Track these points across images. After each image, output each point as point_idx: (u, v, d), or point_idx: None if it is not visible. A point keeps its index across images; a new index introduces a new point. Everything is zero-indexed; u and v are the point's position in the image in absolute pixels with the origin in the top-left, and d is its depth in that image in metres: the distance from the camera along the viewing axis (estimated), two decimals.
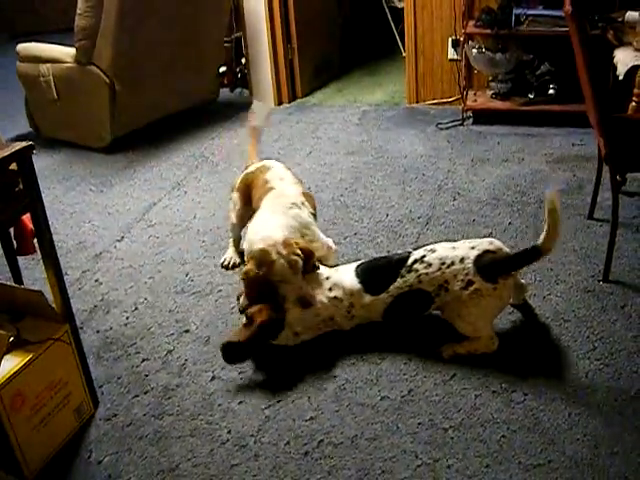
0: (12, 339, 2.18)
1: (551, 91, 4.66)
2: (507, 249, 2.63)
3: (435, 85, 5.20)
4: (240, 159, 4.43)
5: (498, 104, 4.81)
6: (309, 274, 2.68)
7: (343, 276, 2.72)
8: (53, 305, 2.29)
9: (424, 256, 2.62)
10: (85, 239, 3.67)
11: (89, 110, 4.73)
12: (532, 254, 2.50)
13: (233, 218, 3.26)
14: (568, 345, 2.62)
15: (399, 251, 3.26)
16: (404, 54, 5.39)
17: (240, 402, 2.47)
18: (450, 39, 4.99)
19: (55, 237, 2.30)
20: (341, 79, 6.21)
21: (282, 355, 2.66)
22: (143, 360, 2.73)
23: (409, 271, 2.61)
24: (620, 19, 4.07)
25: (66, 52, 4.66)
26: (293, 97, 5.68)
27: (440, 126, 4.83)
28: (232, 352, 2.55)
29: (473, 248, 2.58)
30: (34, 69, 4.78)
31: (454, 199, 3.79)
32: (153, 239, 3.62)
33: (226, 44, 5.64)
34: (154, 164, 4.58)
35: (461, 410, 2.36)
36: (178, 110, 5.22)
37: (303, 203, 2.96)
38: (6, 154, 2.03)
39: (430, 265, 2.58)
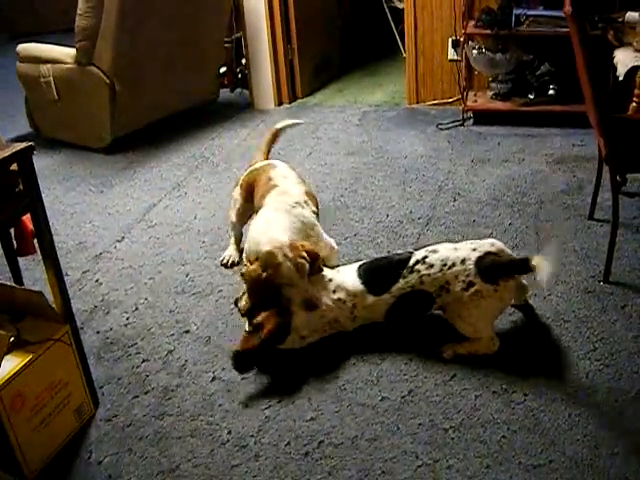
0: (12, 339, 2.18)
1: (551, 91, 4.66)
2: (509, 251, 2.63)
3: (435, 85, 5.20)
4: (241, 159, 4.44)
5: (498, 105, 4.81)
6: (313, 276, 2.67)
7: (345, 277, 2.72)
8: (53, 305, 2.29)
9: (426, 257, 2.62)
10: (85, 239, 3.67)
11: (89, 110, 4.73)
12: (526, 268, 2.48)
13: (232, 216, 3.26)
14: (568, 345, 2.62)
15: (400, 251, 3.27)
16: (404, 54, 5.39)
17: (240, 403, 2.47)
18: (450, 39, 4.99)
19: (55, 237, 2.30)
20: (341, 79, 6.21)
21: (282, 356, 2.66)
22: (143, 360, 2.73)
23: (411, 272, 2.61)
24: (620, 19, 4.07)
25: (66, 53, 4.66)
26: (293, 97, 5.68)
27: (440, 127, 4.83)
28: (242, 361, 2.55)
29: (474, 250, 2.58)
30: (34, 70, 4.78)
31: (454, 200, 3.79)
32: (153, 239, 3.63)
33: (226, 44, 5.64)
34: (154, 164, 4.58)
35: (461, 411, 2.36)
36: (178, 110, 5.22)
37: (306, 202, 2.96)
38: (6, 154, 2.03)
39: (432, 266, 2.58)
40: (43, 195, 2.20)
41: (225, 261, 3.32)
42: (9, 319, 2.29)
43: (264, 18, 5.30)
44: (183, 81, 5.07)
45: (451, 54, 5.02)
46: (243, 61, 5.70)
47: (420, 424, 2.31)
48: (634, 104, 3.89)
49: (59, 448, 2.31)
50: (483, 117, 4.85)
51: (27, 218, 2.50)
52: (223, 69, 5.81)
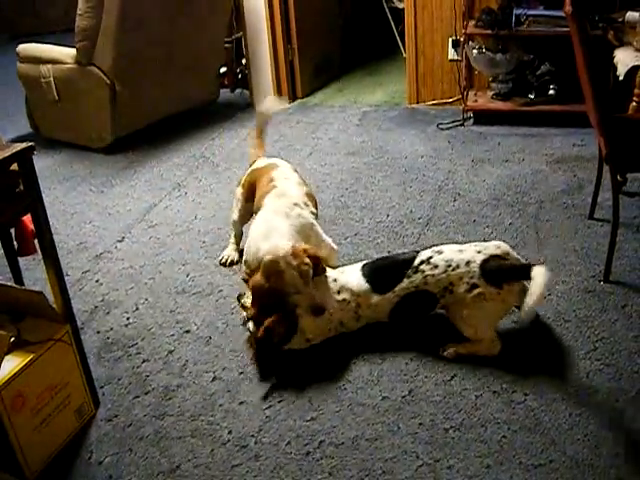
0: (13, 339, 2.18)
1: (551, 91, 4.66)
2: (515, 254, 2.63)
3: (435, 85, 5.20)
4: (241, 159, 4.44)
5: (499, 104, 4.81)
6: (317, 277, 2.66)
7: (350, 277, 2.71)
8: (54, 306, 2.29)
9: (431, 257, 2.61)
10: (86, 240, 3.67)
11: (89, 111, 4.73)
12: (526, 273, 2.48)
13: (234, 215, 3.26)
14: (569, 345, 2.62)
15: (403, 251, 3.27)
16: (404, 54, 5.39)
17: (241, 402, 2.47)
18: (450, 39, 4.99)
19: (56, 238, 2.30)
20: (341, 79, 6.22)
21: (283, 356, 2.66)
22: (144, 361, 2.73)
23: (415, 272, 2.61)
24: (620, 19, 4.07)
25: (66, 53, 4.67)
26: (294, 97, 5.69)
27: (441, 126, 4.83)
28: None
29: (479, 252, 2.58)
30: (35, 70, 4.78)
31: (454, 199, 3.79)
32: (154, 240, 3.63)
33: (226, 45, 5.65)
34: (155, 165, 4.58)
35: (462, 410, 2.36)
36: (178, 111, 5.22)
37: (306, 204, 2.95)
38: (7, 155, 2.03)
39: (436, 266, 2.58)
40: (43, 195, 2.20)
41: (224, 260, 3.32)
42: (10, 319, 2.29)
43: (264, 18, 5.30)
44: (183, 81, 5.08)
45: (451, 54, 5.03)
46: (243, 61, 5.71)
47: (420, 424, 2.31)
48: (634, 104, 3.88)
49: (60, 448, 2.30)
50: (483, 117, 4.85)
51: (27, 218, 2.51)
52: (223, 69, 5.82)
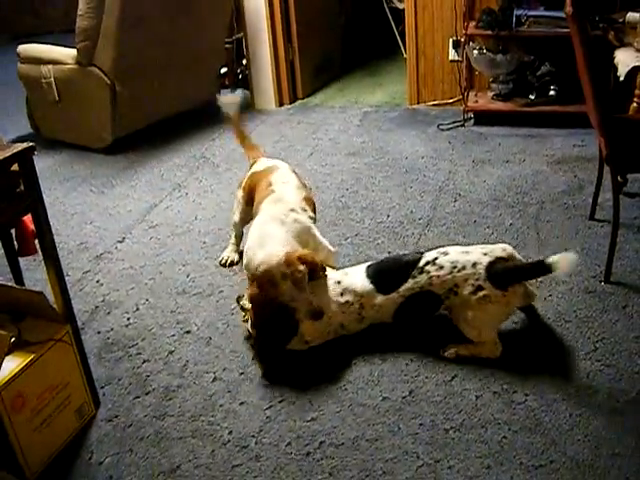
0: (13, 340, 2.18)
1: (552, 92, 4.66)
2: (520, 257, 2.62)
3: (436, 86, 5.20)
4: (241, 160, 4.42)
5: (499, 105, 4.81)
6: (319, 280, 2.65)
7: (354, 279, 2.70)
8: (54, 306, 2.29)
9: (436, 258, 2.61)
10: (86, 240, 3.67)
11: (90, 111, 4.74)
12: (542, 270, 2.50)
13: (235, 217, 3.26)
14: (569, 346, 2.62)
15: (404, 251, 3.28)
16: (405, 55, 5.39)
17: (241, 403, 2.47)
18: (451, 40, 4.99)
19: (56, 238, 2.30)
20: (342, 80, 6.22)
21: (283, 356, 2.66)
22: (144, 361, 2.73)
23: (421, 272, 2.60)
24: (621, 20, 4.08)
25: (67, 53, 4.67)
26: (294, 98, 5.69)
27: (441, 127, 4.83)
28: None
29: (486, 254, 2.57)
30: (35, 70, 4.79)
31: (455, 200, 3.79)
32: (154, 240, 3.63)
33: (227, 45, 5.65)
34: (155, 165, 4.59)
35: (462, 411, 2.36)
36: (179, 111, 5.22)
37: (303, 208, 2.91)
38: (7, 155, 2.03)
39: (442, 267, 2.57)
40: (44, 195, 2.20)
41: (224, 261, 3.32)
42: (10, 319, 2.29)
43: (265, 18, 5.31)
44: (184, 82, 5.08)
45: (452, 55, 5.03)
46: (244, 61, 5.72)
47: (421, 424, 2.31)
48: (635, 104, 3.89)
49: (60, 448, 2.30)
50: (484, 117, 4.85)
51: (28, 219, 2.51)
52: (224, 69, 5.83)
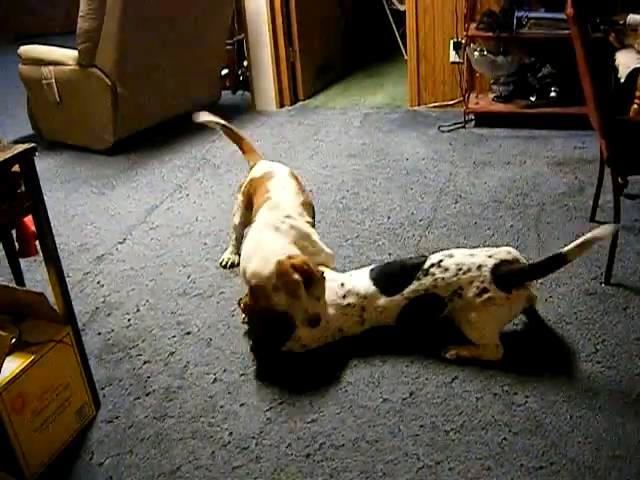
0: (14, 341, 2.18)
1: (553, 94, 4.66)
2: (524, 260, 2.62)
3: (437, 88, 5.20)
4: (242, 161, 4.42)
5: (500, 107, 4.81)
6: (318, 284, 2.61)
7: (357, 281, 2.69)
8: (55, 307, 2.29)
9: (441, 260, 2.60)
10: (87, 241, 3.68)
11: (91, 112, 4.74)
12: (557, 262, 2.51)
13: (236, 219, 3.25)
14: (570, 348, 2.62)
15: (404, 253, 3.28)
16: (406, 57, 5.40)
17: (242, 404, 2.47)
18: (452, 42, 5.00)
19: (57, 239, 2.30)
20: (343, 81, 6.23)
21: (284, 357, 2.66)
22: (145, 362, 2.73)
23: (426, 274, 2.60)
24: (622, 22, 4.08)
25: (68, 54, 4.67)
26: (295, 99, 5.69)
27: (442, 129, 4.83)
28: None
29: (491, 257, 2.57)
30: (36, 71, 4.79)
31: (456, 202, 3.79)
32: (155, 241, 3.63)
33: (228, 46, 5.66)
34: (156, 166, 4.59)
35: (462, 412, 2.36)
36: (180, 112, 5.22)
37: (300, 214, 2.88)
38: (8, 156, 2.03)
39: (447, 270, 2.57)
40: (45, 197, 2.20)
41: (224, 263, 3.32)
42: (11, 320, 2.29)
43: (266, 20, 5.31)
44: (185, 83, 5.08)
45: (453, 56, 5.03)
46: (245, 63, 5.72)
47: (421, 426, 2.31)
48: (635, 106, 3.88)
49: (60, 449, 2.30)
50: (485, 119, 4.85)
51: (29, 220, 2.51)
52: (225, 71, 5.83)
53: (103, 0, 4.36)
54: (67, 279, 2.38)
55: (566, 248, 2.47)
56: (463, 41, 4.77)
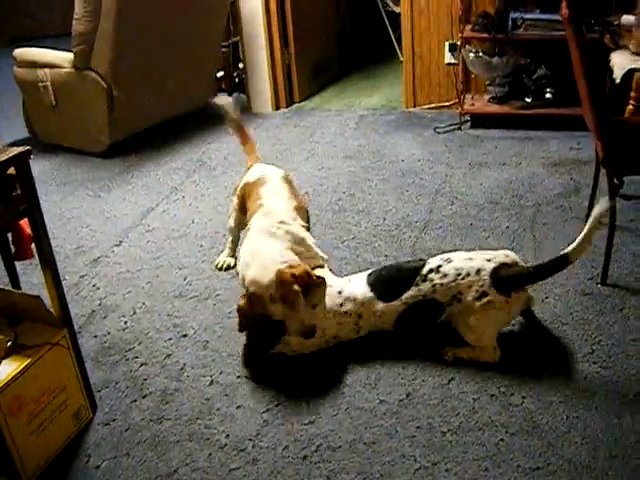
0: (10, 344, 2.18)
1: (548, 95, 4.67)
2: (522, 262, 2.62)
3: (432, 89, 5.21)
4: (238, 163, 4.44)
5: (495, 108, 4.82)
6: (318, 290, 2.59)
7: (355, 286, 2.68)
8: (51, 310, 2.29)
9: (440, 266, 2.59)
10: (83, 244, 3.67)
11: (87, 115, 4.73)
12: (560, 263, 2.51)
13: (231, 221, 3.25)
14: (566, 348, 2.63)
15: (400, 254, 3.28)
16: (401, 58, 5.40)
17: (238, 406, 2.47)
18: (447, 43, 5.00)
19: (53, 242, 2.30)
20: (338, 83, 6.23)
21: (280, 359, 2.66)
22: (141, 365, 2.72)
23: (424, 280, 2.58)
24: (616, 22, 4.09)
25: (64, 57, 4.67)
26: (290, 101, 5.69)
27: (437, 130, 4.84)
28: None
29: (489, 260, 2.56)
30: (32, 74, 4.78)
31: (452, 203, 3.80)
32: (151, 244, 3.62)
33: (223, 49, 5.65)
34: (152, 169, 4.59)
35: (459, 414, 2.36)
36: (176, 115, 5.23)
37: (294, 218, 2.87)
38: (4, 159, 2.03)
39: (446, 275, 2.56)
40: (41, 199, 2.20)
41: (220, 265, 3.32)
42: (7, 323, 2.29)
43: (261, 22, 5.31)
44: (180, 85, 5.08)
45: (448, 58, 5.04)
46: (240, 65, 5.72)
47: (418, 427, 2.31)
48: (631, 107, 3.89)
49: (57, 452, 2.30)
50: (480, 120, 4.86)
51: (25, 222, 2.50)
52: (220, 73, 5.83)
53: (98, 3, 4.35)
54: (63, 282, 2.38)
55: (569, 249, 2.46)
56: (458, 42, 4.77)
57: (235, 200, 3.21)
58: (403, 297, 2.60)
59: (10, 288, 2.72)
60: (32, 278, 3.20)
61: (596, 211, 2.44)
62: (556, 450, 2.18)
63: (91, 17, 4.40)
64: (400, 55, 5.72)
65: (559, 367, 2.54)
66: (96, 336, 2.90)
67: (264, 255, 2.62)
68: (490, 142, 4.59)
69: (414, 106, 5.29)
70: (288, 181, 3.14)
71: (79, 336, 2.68)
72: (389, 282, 2.66)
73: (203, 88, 5.46)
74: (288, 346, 2.64)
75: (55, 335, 2.25)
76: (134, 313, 3.04)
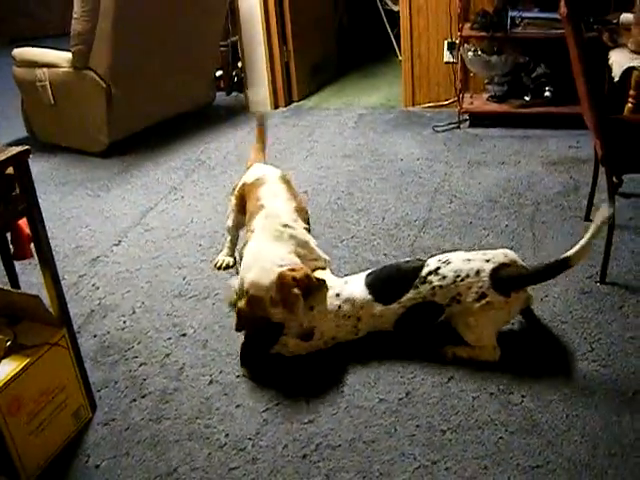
0: (9, 343, 2.18)
1: (547, 93, 4.67)
2: (521, 261, 2.61)
3: (431, 88, 5.20)
4: (237, 162, 4.44)
5: (494, 107, 4.82)
6: (319, 293, 2.61)
7: (354, 288, 2.66)
8: (50, 309, 2.29)
9: (438, 268, 2.57)
10: (82, 243, 3.67)
11: (86, 115, 4.73)
12: (560, 266, 2.50)
13: (229, 221, 3.25)
14: (565, 347, 2.63)
15: (399, 254, 3.28)
16: (400, 57, 5.40)
17: (238, 405, 2.47)
18: (446, 42, 5.00)
19: (52, 242, 2.30)
20: (337, 82, 6.22)
21: (279, 359, 2.66)
22: (140, 364, 2.72)
23: (423, 282, 2.57)
24: (615, 21, 4.09)
25: (62, 57, 4.66)
26: (289, 100, 5.69)
27: (436, 129, 4.83)
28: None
29: (488, 261, 2.54)
30: (30, 74, 4.78)
31: (450, 202, 3.80)
32: (150, 243, 3.62)
33: (222, 48, 5.65)
34: (151, 168, 4.58)
35: (459, 412, 2.36)
36: (174, 114, 5.22)
37: (295, 220, 2.86)
38: (2, 158, 2.03)
39: (444, 277, 2.54)
40: (39, 199, 2.20)
41: (219, 265, 3.32)
42: (6, 323, 2.29)
43: (260, 21, 5.30)
44: (179, 85, 5.08)
45: (447, 56, 5.03)
46: (239, 64, 5.72)
47: (418, 426, 2.31)
48: (629, 105, 3.90)
49: (56, 452, 2.30)
50: (479, 119, 4.86)
51: (23, 222, 2.50)
52: (219, 72, 5.83)
53: (97, 2, 4.35)
54: (62, 281, 2.38)
55: (570, 252, 2.45)
56: (457, 41, 4.77)
57: (233, 200, 3.21)
58: (402, 300, 2.59)
59: (9, 288, 2.72)
60: (31, 278, 3.20)
61: (598, 218, 2.43)
62: (555, 448, 2.18)
63: (90, 17, 4.39)
64: (399, 54, 5.72)
65: (558, 365, 2.54)
66: (95, 336, 2.90)
67: (266, 259, 2.61)
68: (489, 141, 4.59)
69: (413, 105, 5.29)
70: (286, 181, 3.13)
71: (78, 336, 2.67)
72: (388, 284, 2.65)
73: (202, 87, 5.46)
74: (286, 347, 2.64)
75: (54, 335, 2.25)
76: (133, 313, 3.04)
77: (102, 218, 3.94)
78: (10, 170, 2.09)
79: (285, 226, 2.78)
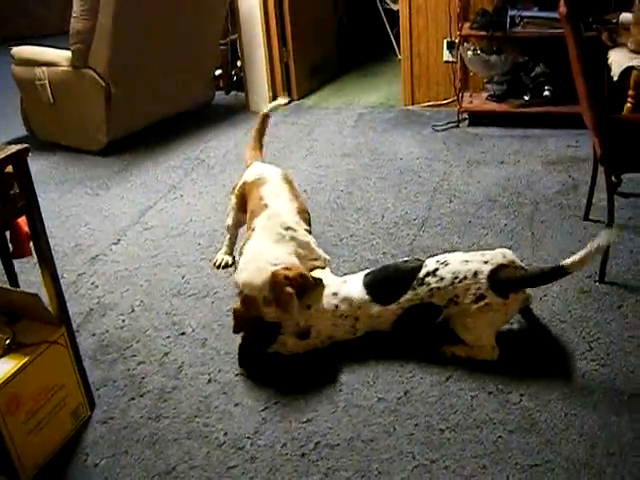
0: (8, 342, 2.17)
1: (546, 93, 4.67)
2: (520, 262, 2.61)
3: (430, 87, 5.20)
4: (236, 161, 4.44)
5: (494, 106, 4.82)
6: (315, 292, 2.61)
7: (352, 288, 2.65)
8: (49, 308, 2.29)
9: (436, 269, 2.56)
10: (81, 242, 3.67)
11: (85, 113, 4.73)
12: (558, 273, 2.49)
13: (229, 220, 3.25)
14: (564, 346, 2.63)
15: (399, 253, 3.28)
16: (399, 56, 5.40)
17: (236, 404, 2.47)
18: (445, 41, 5.00)
19: (51, 240, 2.30)
20: (337, 81, 6.22)
21: (278, 357, 2.66)
22: (139, 363, 2.72)
23: (421, 284, 2.56)
24: (614, 20, 4.09)
25: (62, 55, 4.66)
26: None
27: (436, 128, 4.83)
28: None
29: (486, 262, 2.54)
30: (30, 72, 4.78)
31: (450, 201, 3.80)
32: (149, 242, 3.62)
33: (221, 47, 5.65)
34: (150, 167, 4.58)
35: (457, 411, 2.36)
36: (174, 113, 5.22)
37: (298, 222, 2.85)
38: (1, 157, 2.03)
39: (442, 279, 2.53)
40: (39, 198, 2.20)
41: (218, 263, 3.32)
42: (5, 321, 2.29)
43: (259, 20, 5.30)
44: (178, 83, 5.07)
45: (446, 56, 5.03)
46: (238, 63, 5.72)
47: (416, 425, 2.31)
48: (628, 104, 3.90)
49: (55, 451, 2.30)
50: (478, 118, 4.86)
51: (22, 220, 2.50)
52: (218, 71, 5.82)
53: (96, 1, 4.35)
54: (61, 280, 2.38)
55: (567, 261, 2.44)
56: (457, 40, 4.77)
57: (233, 199, 3.21)
58: (400, 301, 2.58)
59: (8, 286, 2.72)
60: (30, 276, 3.20)
61: (597, 242, 2.40)
62: (554, 447, 2.18)
63: (89, 15, 4.39)
64: (398, 53, 5.72)
65: (557, 365, 2.54)
66: (94, 334, 2.90)
67: (263, 259, 2.61)
68: (488, 140, 4.59)
69: (412, 104, 5.29)
70: (288, 181, 3.12)
71: (77, 334, 2.67)
72: (385, 284, 2.64)
73: (201, 87, 5.46)
74: (284, 346, 2.64)
75: (53, 333, 2.25)
76: (132, 311, 3.04)
77: (101, 217, 3.94)
78: (9, 168, 2.09)
79: (287, 229, 2.77)
